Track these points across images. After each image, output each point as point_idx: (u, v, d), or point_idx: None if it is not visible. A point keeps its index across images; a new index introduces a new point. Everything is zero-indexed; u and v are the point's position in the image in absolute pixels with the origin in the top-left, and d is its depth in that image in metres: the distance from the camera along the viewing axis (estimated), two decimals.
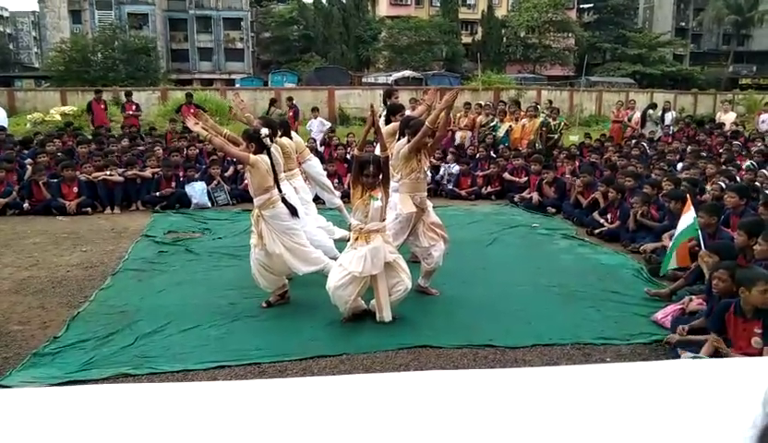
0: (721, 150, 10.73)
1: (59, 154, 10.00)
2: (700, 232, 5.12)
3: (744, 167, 8.85)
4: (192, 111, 11.59)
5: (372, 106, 5.04)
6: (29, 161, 9.74)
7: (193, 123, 5.03)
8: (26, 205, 8.55)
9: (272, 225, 4.88)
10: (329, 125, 14.18)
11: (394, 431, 1.07)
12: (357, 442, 1.05)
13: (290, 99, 15.47)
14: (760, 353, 3.57)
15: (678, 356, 4.09)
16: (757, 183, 7.93)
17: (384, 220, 4.71)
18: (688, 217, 5.19)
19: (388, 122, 6.06)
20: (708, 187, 7.62)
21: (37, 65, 45.15)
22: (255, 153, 4.83)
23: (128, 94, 15.48)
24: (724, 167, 8.65)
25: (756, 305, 3.72)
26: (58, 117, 17.71)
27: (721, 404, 1.15)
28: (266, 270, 4.99)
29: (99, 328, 4.58)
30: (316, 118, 14.09)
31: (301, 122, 14.57)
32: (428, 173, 5.85)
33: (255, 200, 4.92)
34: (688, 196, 5.57)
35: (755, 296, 3.70)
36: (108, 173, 9.00)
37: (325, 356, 4.17)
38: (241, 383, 1.06)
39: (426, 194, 5.39)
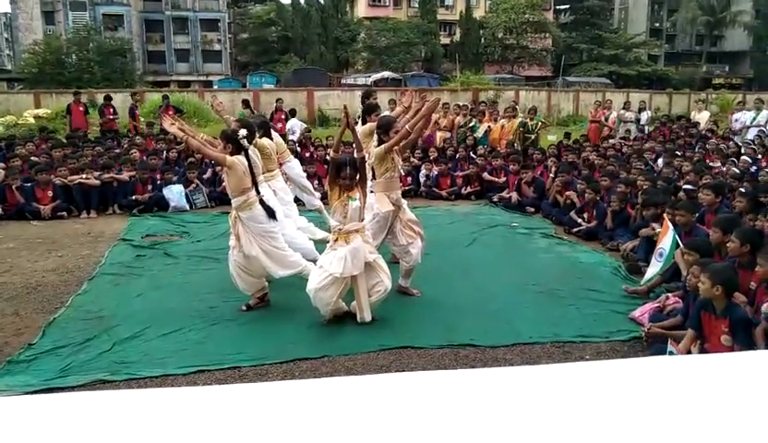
0: (696, 149, 10.92)
1: (32, 158, 9.82)
2: (677, 237, 5.23)
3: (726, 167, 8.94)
4: (170, 112, 11.55)
5: (346, 107, 5.03)
6: (1, 165, 9.54)
7: (169, 123, 4.99)
8: None
9: (249, 227, 4.85)
10: (301, 126, 14.36)
11: (376, 433, 1.07)
12: None
13: (279, 100, 15.43)
14: (731, 351, 3.63)
15: (657, 351, 4.14)
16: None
17: (363, 220, 4.71)
18: (669, 233, 5.28)
19: (364, 122, 6.08)
20: (681, 184, 7.75)
21: (9, 68, 44.27)
22: (232, 154, 4.79)
23: (107, 98, 15.26)
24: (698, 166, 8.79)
25: (707, 296, 3.80)
26: (32, 120, 17.39)
27: (699, 400, 1.16)
28: (244, 272, 4.95)
29: (75, 334, 4.51)
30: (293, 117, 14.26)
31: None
32: (402, 171, 5.89)
33: (232, 202, 4.89)
34: (665, 216, 5.65)
35: (702, 288, 3.80)
36: (84, 176, 8.86)
37: (306, 359, 4.15)
38: (221, 387, 1.05)
39: (400, 192, 5.42)
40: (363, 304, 4.65)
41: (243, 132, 4.84)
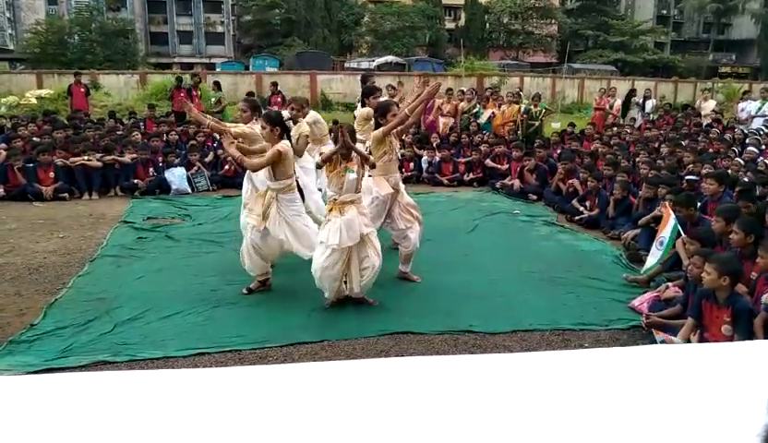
0: (699, 138, 10.87)
1: (34, 139, 9.81)
2: (678, 226, 5.21)
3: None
4: (194, 94, 11.52)
5: (341, 127, 4.68)
6: (2, 145, 9.53)
7: (228, 143, 4.79)
8: (1, 190, 8.37)
9: (286, 210, 4.82)
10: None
11: (375, 417, 1.07)
12: (338, 428, 1.05)
13: (274, 84, 15.24)
14: (731, 340, 3.64)
15: (654, 340, 4.16)
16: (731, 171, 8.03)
17: (359, 191, 4.67)
18: (670, 222, 5.27)
19: (363, 105, 6.06)
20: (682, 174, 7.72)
21: (11, 48, 44.03)
22: (280, 137, 4.71)
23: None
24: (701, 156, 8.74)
25: (712, 287, 3.79)
26: (34, 101, 17.34)
27: (696, 389, 1.17)
28: (256, 253, 4.93)
29: (77, 315, 4.53)
30: None
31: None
32: (398, 155, 5.86)
33: (273, 184, 4.77)
34: (667, 204, 5.63)
35: (707, 279, 3.79)
36: (86, 158, 8.85)
37: (306, 343, 4.17)
38: (221, 370, 1.05)
39: (398, 174, 5.40)
40: (353, 276, 4.65)
41: (286, 113, 4.77)
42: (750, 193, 5.96)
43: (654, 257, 5.45)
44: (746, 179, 7.04)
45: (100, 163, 8.86)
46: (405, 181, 10.00)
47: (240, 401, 1.11)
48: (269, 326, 4.45)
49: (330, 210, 4.58)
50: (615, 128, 12.55)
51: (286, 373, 1.21)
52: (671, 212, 5.37)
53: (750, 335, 3.62)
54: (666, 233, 5.34)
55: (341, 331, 4.36)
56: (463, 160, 10.42)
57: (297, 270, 5.16)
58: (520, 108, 12.14)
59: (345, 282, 4.75)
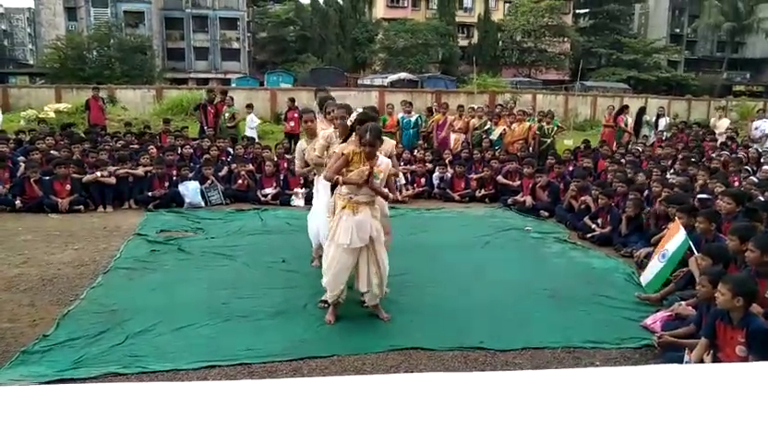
0: (713, 155, 10.80)
1: (51, 152, 9.94)
2: (690, 243, 5.15)
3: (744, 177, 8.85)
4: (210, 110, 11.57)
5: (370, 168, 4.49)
6: (21, 158, 9.68)
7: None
8: (18, 202, 8.48)
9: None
10: (258, 121, 14.91)
11: (384, 434, 1.07)
12: None
13: (292, 100, 15.41)
14: (745, 361, 3.58)
15: (669, 360, 4.10)
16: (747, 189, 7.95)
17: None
18: (678, 237, 5.22)
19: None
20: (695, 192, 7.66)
21: (32, 62, 44.88)
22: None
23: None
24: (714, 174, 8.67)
25: (726, 307, 3.73)
26: (52, 115, 17.59)
27: (709, 410, 1.15)
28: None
29: (89, 326, 4.56)
30: (249, 114, 14.69)
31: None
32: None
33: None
34: (677, 218, 5.58)
35: (720, 299, 3.73)
36: (99, 174, 8.89)
37: (315, 357, 4.16)
38: (231, 383, 1.06)
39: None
40: (362, 274, 4.64)
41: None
42: (756, 212, 5.89)
43: (653, 269, 5.39)
44: (761, 198, 6.97)
45: (113, 181, 8.92)
46: (417, 197, 10.05)
47: (249, 414, 1.11)
48: (278, 340, 4.45)
49: (344, 208, 4.53)
50: (630, 146, 12.51)
51: (295, 387, 1.21)
52: (681, 227, 5.32)
53: (765, 356, 3.56)
54: (671, 245, 5.29)
55: (350, 347, 4.35)
56: (475, 176, 10.43)
57: (305, 285, 5.16)
58: (531, 126, 12.14)
59: (350, 286, 4.73)
